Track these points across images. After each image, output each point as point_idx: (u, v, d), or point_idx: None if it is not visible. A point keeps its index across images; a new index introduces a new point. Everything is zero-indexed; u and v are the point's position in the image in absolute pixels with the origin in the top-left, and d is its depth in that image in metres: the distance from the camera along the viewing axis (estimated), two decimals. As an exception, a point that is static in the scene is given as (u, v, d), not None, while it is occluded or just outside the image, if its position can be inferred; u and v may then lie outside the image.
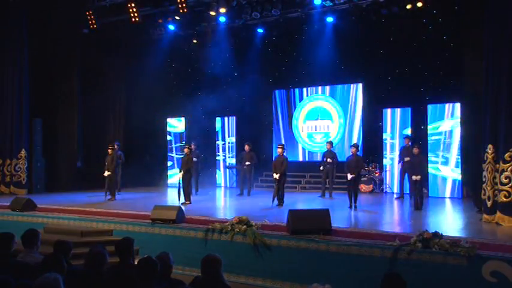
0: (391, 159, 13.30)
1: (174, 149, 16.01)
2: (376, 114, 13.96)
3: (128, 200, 11.86)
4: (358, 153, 10.64)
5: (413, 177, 9.91)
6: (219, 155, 15.79)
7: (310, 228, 6.97)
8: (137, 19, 13.34)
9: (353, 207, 10.05)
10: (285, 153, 11.04)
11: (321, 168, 12.39)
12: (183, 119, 15.92)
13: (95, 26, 13.83)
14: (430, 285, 5.88)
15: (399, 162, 12.29)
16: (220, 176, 15.78)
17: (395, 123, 13.38)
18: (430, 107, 12.46)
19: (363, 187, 13.33)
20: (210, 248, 6.91)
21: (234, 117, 15.56)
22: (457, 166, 11.97)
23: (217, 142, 15.82)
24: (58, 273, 3.34)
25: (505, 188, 7.70)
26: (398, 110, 13.33)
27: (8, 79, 13.33)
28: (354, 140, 14.11)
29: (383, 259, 6.21)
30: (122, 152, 13.35)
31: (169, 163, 16.04)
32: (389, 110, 13.50)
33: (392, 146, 13.37)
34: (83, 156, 15.01)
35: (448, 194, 12.06)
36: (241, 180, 13.41)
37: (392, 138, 13.40)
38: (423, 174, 10.14)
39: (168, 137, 16.13)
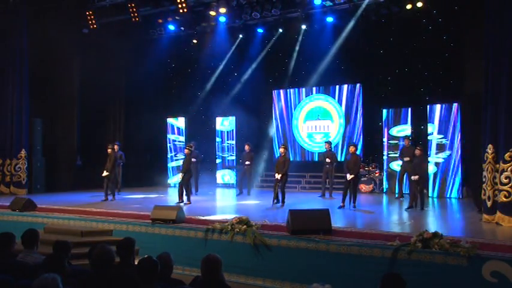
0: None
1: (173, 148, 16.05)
2: (376, 114, 13.95)
3: (127, 200, 11.86)
4: (356, 152, 10.65)
5: (413, 177, 9.93)
6: (219, 155, 15.79)
7: (310, 228, 6.97)
8: (137, 19, 13.36)
9: (351, 206, 10.06)
10: (287, 153, 11.03)
11: (327, 166, 12.33)
12: (183, 118, 15.94)
13: (95, 26, 13.84)
14: (430, 285, 5.87)
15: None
16: (220, 176, 15.77)
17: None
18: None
19: (363, 187, 13.32)
20: (210, 248, 6.89)
21: (234, 117, 15.56)
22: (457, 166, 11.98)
23: (217, 142, 15.81)
24: (58, 274, 3.33)
25: (505, 188, 7.71)
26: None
27: (7, 79, 13.32)
28: (354, 140, 14.09)
29: (383, 259, 6.20)
30: (122, 152, 13.35)
31: (169, 163, 16.05)
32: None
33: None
34: (83, 156, 15.00)
35: (448, 194, 12.05)
36: (241, 180, 13.42)
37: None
38: (422, 174, 10.14)
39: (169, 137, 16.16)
